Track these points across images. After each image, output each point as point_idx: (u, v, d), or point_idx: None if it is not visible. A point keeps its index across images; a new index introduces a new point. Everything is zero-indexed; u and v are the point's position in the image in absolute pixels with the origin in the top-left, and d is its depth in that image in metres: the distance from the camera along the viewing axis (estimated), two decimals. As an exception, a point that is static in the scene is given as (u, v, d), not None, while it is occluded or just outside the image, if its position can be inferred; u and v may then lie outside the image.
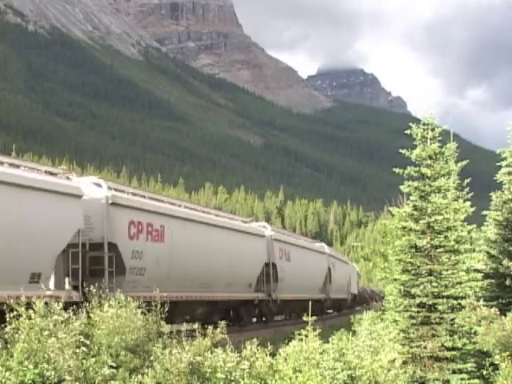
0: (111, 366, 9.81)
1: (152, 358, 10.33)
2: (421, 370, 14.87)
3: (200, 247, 22.66)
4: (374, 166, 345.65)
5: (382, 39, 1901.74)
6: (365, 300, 64.06)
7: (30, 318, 10.02)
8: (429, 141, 16.03)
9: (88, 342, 10.03)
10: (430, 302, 15.17)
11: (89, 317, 10.74)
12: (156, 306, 11.39)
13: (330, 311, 48.04)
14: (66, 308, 10.57)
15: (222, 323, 11.86)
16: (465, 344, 14.91)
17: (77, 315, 10.54)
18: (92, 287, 11.66)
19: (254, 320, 30.64)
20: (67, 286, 16.27)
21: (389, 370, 12.86)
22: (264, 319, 31.35)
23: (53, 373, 9.25)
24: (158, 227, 20.09)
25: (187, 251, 21.82)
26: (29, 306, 10.32)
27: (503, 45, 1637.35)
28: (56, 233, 15.92)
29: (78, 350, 9.70)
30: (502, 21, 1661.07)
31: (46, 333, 9.81)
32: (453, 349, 14.84)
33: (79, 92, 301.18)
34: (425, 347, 14.98)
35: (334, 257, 44.92)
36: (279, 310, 32.38)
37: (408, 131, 16.30)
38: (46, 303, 10.50)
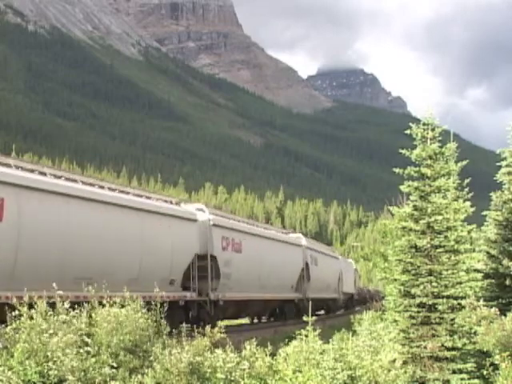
0: (112, 366, 9.82)
1: (152, 358, 10.34)
2: (421, 370, 14.87)
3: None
4: (374, 166, 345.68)
5: (382, 39, 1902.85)
6: (365, 300, 63.29)
7: (31, 318, 10.02)
8: (429, 141, 16.04)
9: (91, 342, 10.04)
10: (430, 302, 15.17)
11: (90, 316, 10.75)
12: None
13: (321, 313, 42.21)
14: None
15: (220, 323, 11.91)
16: (465, 344, 14.91)
17: (79, 315, 10.53)
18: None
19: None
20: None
21: (389, 370, 12.86)
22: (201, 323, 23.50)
23: (56, 372, 9.26)
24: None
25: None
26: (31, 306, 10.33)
27: (503, 44, 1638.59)
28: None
29: (81, 350, 9.71)
30: (503, 20, 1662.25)
31: (50, 331, 9.81)
32: (453, 349, 14.84)
33: (79, 92, 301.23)
34: (425, 347, 14.98)
35: (315, 250, 39.63)
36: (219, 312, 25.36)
37: (408, 131, 16.31)
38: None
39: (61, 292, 10.94)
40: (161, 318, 11.39)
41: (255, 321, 35.49)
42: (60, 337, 9.65)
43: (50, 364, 9.35)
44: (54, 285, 10.88)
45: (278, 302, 33.46)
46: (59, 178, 17.73)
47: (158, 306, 11.45)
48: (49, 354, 9.51)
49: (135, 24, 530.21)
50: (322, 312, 44.50)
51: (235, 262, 26.10)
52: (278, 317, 34.81)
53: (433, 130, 16.12)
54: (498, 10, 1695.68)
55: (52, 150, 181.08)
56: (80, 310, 10.64)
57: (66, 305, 10.48)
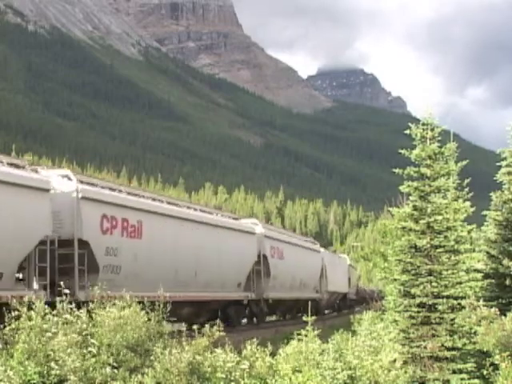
0: (113, 366, 9.83)
1: (152, 357, 10.34)
2: (421, 370, 14.87)
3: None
4: (374, 166, 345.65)
5: (382, 38, 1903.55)
6: (365, 300, 62.63)
7: (30, 318, 10.02)
8: (428, 141, 16.04)
9: (94, 342, 10.05)
10: (430, 302, 15.17)
11: (90, 317, 10.76)
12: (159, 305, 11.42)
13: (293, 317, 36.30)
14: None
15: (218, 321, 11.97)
16: (465, 344, 14.91)
17: (79, 315, 10.54)
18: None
19: None
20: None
21: (389, 370, 12.86)
22: None
23: (57, 372, 9.27)
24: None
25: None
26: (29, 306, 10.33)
27: (504, 44, 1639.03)
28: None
29: (84, 350, 9.72)
30: (503, 20, 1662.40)
31: (53, 330, 9.82)
32: (453, 349, 14.84)
33: (79, 92, 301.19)
34: (425, 347, 14.98)
35: (278, 240, 31.84)
36: None
37: (407, 131, 16.32)
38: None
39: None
40: (162, 317, 11.39)
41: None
42: (62, 337, 9.65)
43: (52, 364, 9.35)
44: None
45: (219, 303, 26.45)
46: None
47: (161, 305, 11.44)
48: (50, 353, 9.52)
49: (135, 24, 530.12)
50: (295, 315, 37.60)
51: (122, 251, 20.29)
52: (224, 321, 22.71)
53: (432, 130, 16.12)
54: (499, 10, 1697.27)
55: (52, 149, 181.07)
56: (80, 311, 10.66)
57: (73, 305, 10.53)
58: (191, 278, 23.12)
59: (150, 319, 10.98)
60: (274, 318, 36.78)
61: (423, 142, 16.09)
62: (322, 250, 42.65)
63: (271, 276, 29.59)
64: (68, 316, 10.24)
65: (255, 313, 29.77)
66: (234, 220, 28.91)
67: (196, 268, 23.55)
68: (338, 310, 50.22)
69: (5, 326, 10.21)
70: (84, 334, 9.99)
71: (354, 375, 12.05)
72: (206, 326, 11.70)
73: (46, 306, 10.41)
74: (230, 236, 26.31)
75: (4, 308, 10.55)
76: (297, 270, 33.95)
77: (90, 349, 9.85)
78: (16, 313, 10.21)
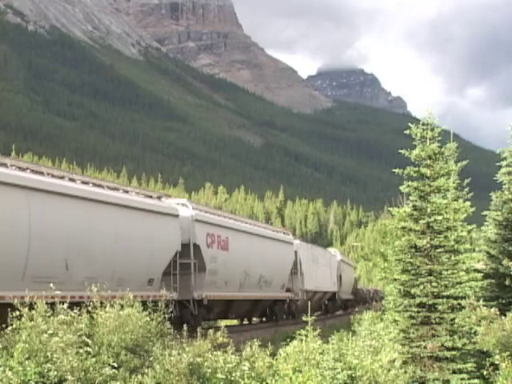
0: (113, 367, 9.83)
1: (152, 358, 10.34)
2: (421, 370, 14.88)
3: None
4: (374, 166, 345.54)
5: (383, 38, 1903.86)
6: (365, 301, 61.51)
7: (31, 318, 10.03)
8: (428, 141, 16.05)
9: (90, 342, 10.04)
10: (430, 302, 15.18)
11: (91, 317, 10.77)
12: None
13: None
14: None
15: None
16: (465, 344, 14.91)
17: (79, 315, 10.55)
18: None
19: None
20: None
21: (389, 370, 12.85)
22: None
23: (55, 373, 9.27)
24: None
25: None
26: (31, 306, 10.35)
27: (504, 44, 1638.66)
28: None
29: (81, 350, 9.72)
30: (504, 20, 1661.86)
31: (50, 331, 9.82)
32: (453, 349, 14.84)
33: (79, 92, 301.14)
34: (425, 347, 14.99)
35: (220, 227, 25.06)
36: None
37: (408, 131, 16.32)
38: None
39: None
40: (164, 318, 11.40)
41: None
42: (60, 337, 9.65)
43: (50, 365, 9.36)
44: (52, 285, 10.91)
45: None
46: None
47: (163, 306, 11.46)
48: (48, 354, 9.52)
49: (135, 24, 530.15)
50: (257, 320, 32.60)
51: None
52: None
53: (432, 130, 16.13)
54: (500, 10, 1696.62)
55: (52, 150, 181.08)
56: (80, 311, 10.66)
57: (65, 306, 10.52)
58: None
59: (152, 319, 10.98)
60: (223, 323, 27.35)
61: (423, 142, 16.10)
62: (296, 241, 35.83)
63: (207, 271, 23.09)
64: (64, 317, 10.22)
65: (184, 316, 21.78)
66: (151, 199, 21.44)
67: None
68: (326, 311, 43.93)
69: (7, 326, 10.23)
70: (79, 334, 9.97)
71: (354, 375, 12.05)
72: (210, 330, 11.73)
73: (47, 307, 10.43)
74: (140, 219, 19.79)
75: (8, 309, 10.55)
76: (252, 264, 27.29)
77: (87, 349, 9.83)
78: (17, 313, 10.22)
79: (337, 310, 46.87)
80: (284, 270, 31.92)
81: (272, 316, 31.74)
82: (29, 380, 9.13)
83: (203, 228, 23.62)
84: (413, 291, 15.26)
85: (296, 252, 34.07)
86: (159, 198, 22.39)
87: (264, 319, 32.66)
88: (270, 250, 30.00)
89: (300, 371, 11.59)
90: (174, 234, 21.50)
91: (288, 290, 32.69)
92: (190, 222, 22.74)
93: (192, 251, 22.53)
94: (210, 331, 11.64)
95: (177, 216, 21.70)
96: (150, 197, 21.70)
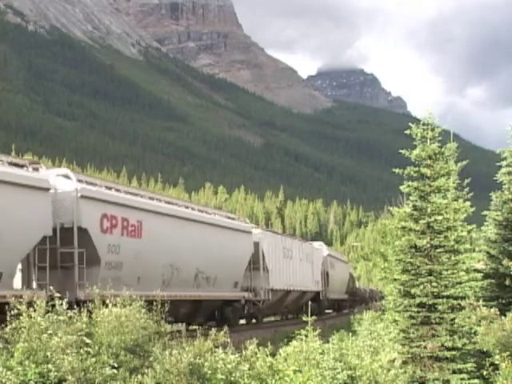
0: (113, 367, 9.82)
1: (152, 358, 10.34)
2: (421, 369, 14.88)
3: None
4: (374, 166, 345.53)
5: (383, 38, 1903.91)
6: (364, 300, 60.96)
7: (30, 317, 10.03)
8: (428, 141, 16.06)
9: (90, 342, 10.04)
10: (430, 302, 15.18)
11: (90, 316, 10.76)
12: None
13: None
14: None
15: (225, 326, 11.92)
16: (465, 344, 14.91)
17: (79, 315, 10.54)
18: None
19: None
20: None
21: (389, 370, 12.86)
22: None
23: (55, 373, 9.26)
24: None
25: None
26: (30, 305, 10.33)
27: (504, 44, 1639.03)
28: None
29: (81, 351, 9.71)
30: (504, 20, 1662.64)
31: (49, 331, 9.82)
32: (453, 349, 14.84)
33: (79, 92, 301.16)
34: (425, 347, 14.98)
35: (127, 207, 19.39)
36: None
37: (408, 131, 16.33)
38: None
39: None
40: (161, 317, 11.39)
41: None
42: (60, 337, 9.65)
43: (50, 365, 9.35)
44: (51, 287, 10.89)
45: None
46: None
47: (159, 305, 11.45)
48: (48, 354, 9.52)
49: (135, 24, 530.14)
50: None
51: None
52: None
53: (432, 130, 16.14)
54: (500, 10, 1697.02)
55: (52, 150, 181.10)
56: (80, 310, 10.66)
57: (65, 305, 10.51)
58: None
59: (148, 319, 10.97)
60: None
61: (423, 142, 16.11)
62: (257, 231, 30.17)
63: (102, 264, 18.04)
64: (62, 317, 10.21)
65: None
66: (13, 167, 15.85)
67: None
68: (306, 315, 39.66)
69: (6, 325, 10.22)
70: (79, 334, 9.97)
71: (353, 375, 12.05)
72: (213, 328, 11.72)
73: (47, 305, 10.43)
74: None
75: (6, 307, 10.54)
76: (183, 256, 21.87)
77: (87, 349, 9.83)
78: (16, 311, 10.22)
79: (322, 311, 40.43)
80: (237, 264, 26.14)
81: (223, 320, 24.98)
82: (29, 380, 9.13)
83: (95, 207, 18.04)
84: (413, 291, 15.26)
85: (258, 243, 28.68)
86: (28, 167, 16.43)
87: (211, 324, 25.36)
88: (214, 239, 24.17)
89: (300, 371, 11.59)
90: (39, 215, 15.85)
91: (247, 290, 27.83)
92: (74, 199, 17.40)
93: (76, 237, 17.09)
94: (212, 331, 11.62)
95: (47, 190, 16.24)
96: (16, 165, 16.08)
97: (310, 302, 37.34)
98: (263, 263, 29.42)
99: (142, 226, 19.58)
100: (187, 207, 24.15)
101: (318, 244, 44.75)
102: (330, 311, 47.05)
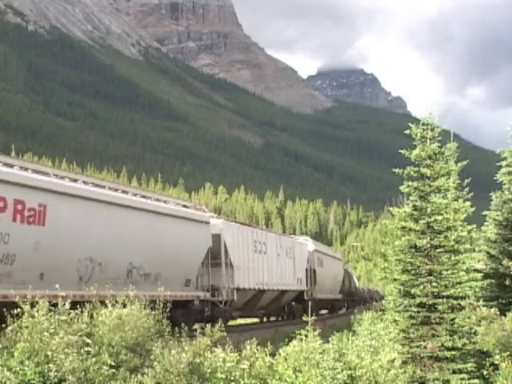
0: (113, 366, 9.82)
1: (152, 357, 10.34)
2: (421, 370, 14.88)
3: None
4: (374, 166, 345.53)
5: (383, 38, 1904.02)
6: (363, 300, 60.20)
7: (32, 316, 10.04)
8: (428, 141, 16.06)
9: (89, 342, 10.04)
10: (430, 302, 15.18)
11: (91, 316, 10.76)
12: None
13: None
14: None
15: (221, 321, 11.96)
16: (465, 344, 14.91)
17: (80, 315, 10.54)
18: None
19: None
20: None
21: (389, 370, 12.86)
22: None
23: (56, 373, 9.26)
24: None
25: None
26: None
27: (504, 44, 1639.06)
28: None
29: (82, 351, 9.72)
30: (504, 20, 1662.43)
31: (50, 331, 9.82)
32: (453, 349, 14.85)
33: (79, 92, 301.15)
34: (425, 347, 14.99)
35: (27, 187, 15.27)
36: None
37: (408, 131, 16.33)
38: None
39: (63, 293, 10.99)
40: (163, 317, 11.41)
41: None
42: (61, 337, 9.65)
43: (51, 365, 9.35)
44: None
45: None
46: None
47: (161, 305, 11.47)
48: (49, 354, 9.52)
49: (135, 24, 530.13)
50: None
51: None
52: None
53: (432, 130, 16.15)
54: (500, 9, 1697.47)
55: (52, 150, 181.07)
56: (81, 310, 10.66)
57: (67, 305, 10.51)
58: None
59: (149, 318, 10.99)
60: None
61: (423, 142, 16.12)
62: (218, 221, 26.08)
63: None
64: (63, 317, 10.22)
65: None
66: None
67: None
68: (288, 316, 35.84)
69: (7, 325, 10.22)
70: (79, 334, 9.97)
71: (353, 375, 12.05)
72: (207, 325, 11.73)
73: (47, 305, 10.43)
74: None
75: (5, 308, 10.54)
76: (109, 248, 18.07)
77: (87, 349, 9.83)
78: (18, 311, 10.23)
79: (307, 312, 37.81)
80: (188, 259, 22.12)
81: (173, 324, 19.17)
82: (29, 380, 9.13)
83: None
84: (413, 291, 15.26)
85: (218, 236, 25.03)
86: None
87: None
88: (156, 230, 20.36)
89: (300, 371, 11.59)
90: None
91: (205, 289, 24.08)
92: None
93: None
94: (207, 327, 11.60)
95: None
96: None
97: (293, 303, 34.82)
98: (226, 258, 25.62)
99: (45, 210, 15.77)
100: (125, 192, 19.98)
101: (302, 238, 40.91)
102: (325, 312, 44.84)
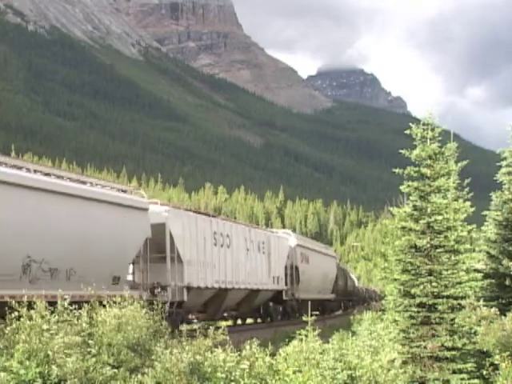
0: (113, 366, 9.83)
1: (153, 357, 10.35)
2: (421, 370, 14.88)
3: None
4: (374, 166, 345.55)
5: (383, 38, 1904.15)
6: (361, 300, 59.24)
7: (30, 318, 10.04)
8: (428, 141, 16.07)
9: (92, 343, 10.05)
10: (430, 302, 15.19)
11: (91, 316, 10.77)
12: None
13: None
14: None
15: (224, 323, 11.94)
16: (465, 344, 14.92)
17: (80, 315, 10.55)
18: None
19: None
20: None
21: (389, 370, 12.86)
22: None
23: (57, 373, 9.27)
24: None
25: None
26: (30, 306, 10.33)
27: (504, 43, 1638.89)
28: None
29: (82, 351, 9.73)
30: (504, 19, 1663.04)
31: (51, 332, 9.82)
32: (453, 349, 14.85)
33: (79, 92, 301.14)
34: (425, 347, 14.99)
35: None
36: None
37: (408, 131, 16.34)
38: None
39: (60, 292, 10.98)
40: (162, 317, 11.42)
41: None
42: (61, 337, 9.65)
43: (54, 367, 9.35)
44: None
45: None
46: None
47: (160, 305, 11.49)
48: (50, 354, 9.52)
49: (135, 24, 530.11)
50: None
51: None
52: None
53: (432, 130, 16.15)
54: (500, 9, 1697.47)
55: (52, 150, 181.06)
56: (81, 310, 10.66)
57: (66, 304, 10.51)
58: None
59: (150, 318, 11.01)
60: None
61: (423, 142, 16.12)
62: (163, 208, 22.32)
63: None
64: (63, 317, 10.23)
65: None
66: None
67: None
68: (265, 318, 31.88)
69: (5, 326, 10.21)
70: (82, 334, 9.98)
71: (353, 375, 12.05)
72: (211, 327, 11.74)
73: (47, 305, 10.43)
74: None
75: (5, 308, 10.54)
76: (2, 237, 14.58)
77: (89, 349, 9.84)
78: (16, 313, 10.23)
79: (286, 314, 33.39)
80: (115, 252, 18.39)
81: None
82: (29, 380, 9.13)
83: None
84: (413, 291, 15.27)
85: (163, 225, 21.46)
86: None
87: None
88: (68, 216, 16.87)
89: (300, 371, 11.60)
90: None
91: (144, 288, 20.43)
92: None
93: None
94: (210, 329, 11.63)
95: None
96: None
97: (271, 304, 31.25)
98: (172, 252, 21.87)
99: None
100: (60, 177, 17.22)
101: (282, 232, 37.30)
102: (316, 312, 40.06)
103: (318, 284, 39.69)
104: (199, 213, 26.87)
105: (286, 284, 32.95)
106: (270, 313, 32.14)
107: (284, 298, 32.60)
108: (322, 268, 40.98)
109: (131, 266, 20.52)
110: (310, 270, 36.86)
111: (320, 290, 40.29)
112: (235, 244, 27.16)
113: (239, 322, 32.68)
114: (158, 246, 21.15)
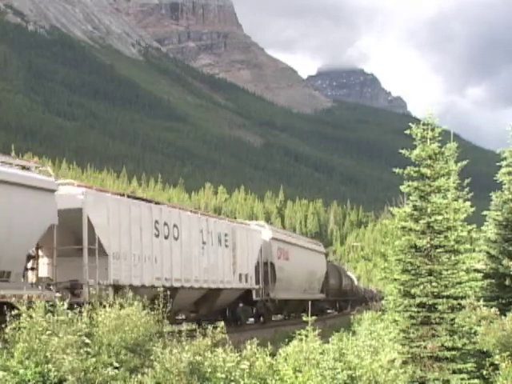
0: (115, 367, 9.83)
1: (152, 357, 10.35)
2: (421, 370, 14.88)
3: None
4: (374, 166, 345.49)
5: (383, 37, 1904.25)
6: (360, 300, 57.59)
7: (30, 317, 10.04)
8: (428, 141, 16.07)
9: (90, 342, 10.05)
10: (430, 302, 15.18)
11: (90, 316, 10.77)
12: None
13: None
14: None
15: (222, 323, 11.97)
16: (465, 344, 14.92)
17: (79, 315, 10.55)
18: None
19: None
20: None
21: (389, 370, 12.85)
22: None
23: (55, 373, 9.26)
24: None
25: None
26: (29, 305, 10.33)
27: (503, 43, 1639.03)
28: None
29: (81, 351, 9.72)
30: (502, 18, 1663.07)
31: (48, 332, 9.82)
32: (453, 349, 14.85)
33: (79, 92, 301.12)
34: (425, 347, 14.99)
35: None
36: None
37: (408, 131, 16.34)
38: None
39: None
40: (162, 317, 11.42)
41: None
42: (60, 337, 9.65)
43: (50, 366, 9.35)
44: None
45: None
46: None
47: (161, 305, 11.49)
48: (48, 354, 9.52)
49: (135, 24, 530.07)
50: None
51: None
52: None
53: (432, 130, 16.16)
54: (498, 8, 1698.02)
55: (52, 150, 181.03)
56: (80, 311, 10.67)
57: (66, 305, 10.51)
58: None
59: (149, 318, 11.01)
60: None
61: (423, 141, 16.13)
62: (79, 190, 18.68)
63: None
64: (63, 317, 10.23)
65: None
66: None
67: None
68: (232, 321, 27.04)
69: (6, 326, 10.21)
70: (79, 334, 9.97)
71: (353, 375, 12.05)
72: (209, 326, 11.74)
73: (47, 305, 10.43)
74: None
75: (5, 307, 10.53)
76: None
77: (87, 349, 9.83)
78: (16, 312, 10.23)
79: (259, 316, 30.35)
80: (8, 243, 14.66)
81: None
82: (29, 380, 9.13)
83: None
84: (413, 291, 15.27)
85: (79, 210, 18.04)
86: None
87: None
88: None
89: (300, 371, 11.59)
90: None
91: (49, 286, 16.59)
92: None
93: None
94: (209, 328, 11.63)
95: None
96: None
97: (240, 305, 27.02)
98: (91, 243, 18.15)
99: None
100: None
101: (254, 223, 32.98)
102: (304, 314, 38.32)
103: (302, 283, 35.81)
104: (136, 198, 22.70)
105: (258, 282, 28.96)
106: (237, 315, 27.99)
107: (254, 298, 28.61)
108: (307, 265, 36.86)
109: (42, 260, 17.36)
110: (289, 267, 32.87)
111: (305, 289, 36.51)
112: (186, 235, 23.18)
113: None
114: (74, 236, 17.95)
